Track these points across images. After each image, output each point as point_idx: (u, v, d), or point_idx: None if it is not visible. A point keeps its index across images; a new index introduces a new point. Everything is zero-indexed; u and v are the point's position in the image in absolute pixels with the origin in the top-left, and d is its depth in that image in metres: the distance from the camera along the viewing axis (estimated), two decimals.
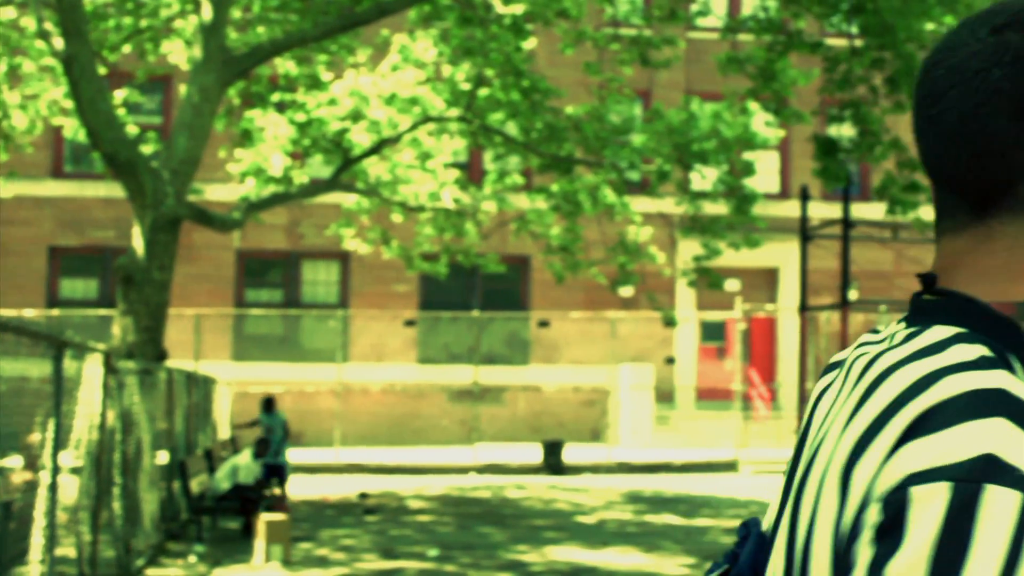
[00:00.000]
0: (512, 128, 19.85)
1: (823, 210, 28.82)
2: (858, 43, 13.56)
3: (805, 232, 17.92)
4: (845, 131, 14.33)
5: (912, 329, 1.22)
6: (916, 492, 1.02)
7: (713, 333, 31.17)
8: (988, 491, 1.00)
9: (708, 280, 20.81)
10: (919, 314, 1.24)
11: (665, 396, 29.92)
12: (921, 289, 1.28)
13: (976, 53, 1.21)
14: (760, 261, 30.46)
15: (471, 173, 27.00)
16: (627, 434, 27.88)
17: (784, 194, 32.09)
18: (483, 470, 24.32)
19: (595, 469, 24.84)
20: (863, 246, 27.87)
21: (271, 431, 18.83)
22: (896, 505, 1.03)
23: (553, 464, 24.47)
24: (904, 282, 30.63)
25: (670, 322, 21.75)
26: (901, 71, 12.46)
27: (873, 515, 1.05)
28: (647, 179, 22.40)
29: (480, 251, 22.94)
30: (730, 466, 25.56)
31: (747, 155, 22.83)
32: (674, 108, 19.94)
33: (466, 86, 18.71)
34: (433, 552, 13.60)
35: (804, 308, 18.31)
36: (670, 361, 30.00)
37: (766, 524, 1.35)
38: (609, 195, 20.44)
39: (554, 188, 20.40)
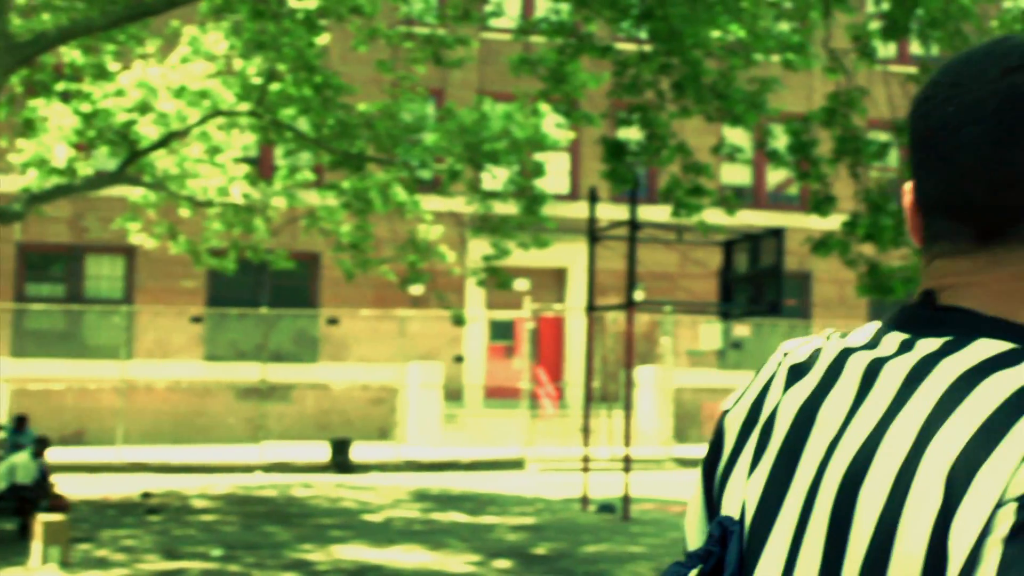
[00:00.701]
0: (303, 124, 19.68)
1: (611, 212, 29.31)
2: (647, 48, 13.83)
3: (593, 233, 18.20)
4: (633, 134, 14.60)
5: (945, 339, 1.28)
6: None
7: (502, 332, 31.43)
8: None
9: (497, 279, 20.99)
10: (930, 326, 1.31)
11: (453, 394, 30.03)
12: (918, 302, 1.35)
13: (990, 93, 1.28)
14: (549, 261, 30.82)
15: (261, 168, 26.65)
16: (415, 432, 27.89)
17: (573, 195, 32.54)
18: (270, 469, 24.03)
19: (383, 467, 24.79)
20: (649, 248, 28.46)
21: (16, 447, 17.65)
22: None
23: (340, 462, 24.33)
24: (688, 283, 31.39)
25: (459, 321, 21.86)
26: (687, 77, 12.76)
27: (1008, 515, 1.09)
28: (438, 178, 22.45)
29: (269, 247, 22.67)
30: (517, 464, 25.80)
31: (538, 156, 23.09)
32: (466, 108, 20.03)
33: (257, 80, 18.46)
34: (217, 552, 13.39)
35: (591, 308, 18.59)
36: (459, 359, 30.13)
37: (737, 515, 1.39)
38: (400, 193, 20.43)
39: (345, 185, 20.28)
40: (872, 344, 1.35)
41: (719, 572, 1.38)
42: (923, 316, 1.33)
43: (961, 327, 1.28)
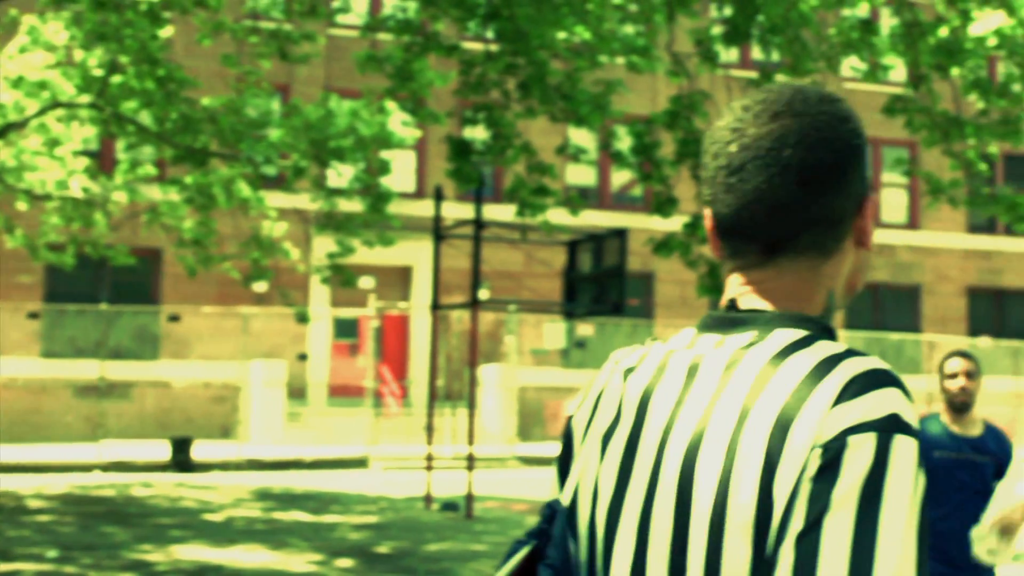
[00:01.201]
0: (146, 117, 19.32)
1: (456, 210, 29.39)
2: (493, 48, 13.90)
3: (438, 231, 18.23)
4: (479, 134, 14.66)
5: (752, 332, 1.59)
6: (851, 440, 1.41)
7: (346, 330, 31.28)
8: (897, 439, 1.41)
9: (342, 277, 20.87)
10: (735, 325, 1.61)
11: (297, 392, 29.79)
12: (723, 308, 1.66)
13: (765, 135, 1.61)
14: (394, 259, 30.78)
15: (102, 162, 26.12)
16: (258, 431, 27.61)
17: (419, 193, 32.53)
18: (108, 468, 23.56)
19: (225, 466, 24.47)
20: (494, 247, 28.61)
21: None
22: (835, 450, 1.41)
23: (181, 461, 23.96)
24: (532, 282, 31.63)
25: (303, 318, 21.70)
26: (533, 77, 12.86)
27: (816, 458, 1.42)
28: (283, 174, 22.25)
29: (109, 243, 22.22)
30: (361, 463, 25.71)
31: (384, 154, 23.02)
32: (312, 104, 19.88)
33: (99, 72, 18.08)
34: (52, 553, 13.09)
35: (436, 306, 18.61)
36: (302, 357, 29.90)
37: (567, 501, 1.69)
38: (244, 189, 20.20)
39: (188, 180, 19.98)
40: (690, 346, 1.64)
41: (547, 545, 1.68)
42: (729, 319, 1.62)
43: (762, 324, 1.59)
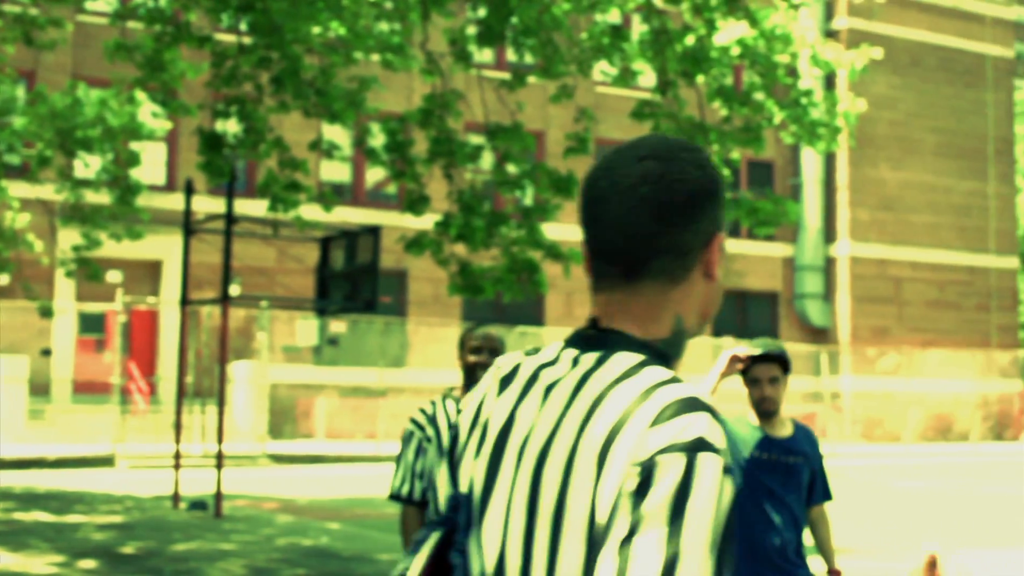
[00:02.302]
0: None
1: (208, 204, 28.91)
2: (246, 41, 13.74)
3: (188, 226, 17.90)
4: (231, 127, 14.46)
5: (598, 354, 1.82)
6: (660, 459, 1.61)
7: (92, 325, 30.43)
8: (701, 456, 1.61)
9: (88, 271, 20.31)
10: (591, 344, 1.84)
11: (40, 389, 28.84)
12: (588, 326, 1.89)
13: (629, 174, 1.86)
14: (143, 253, 30.11)
15: None
16: None
17: (170, 186, 31.89)
18: None
19: None
20: (246, 242, 28.25)
21: None
22: (649, 468, 1.61)
23: None
24: (285, 279, 31.35)
25: (47, 313, 21.03)
26: (287, 71, 12.75)
27: (633, 476, 1.62)
28: (27, 164, 21.52)
29: None
30: (107, 461, 25.06)
31: (133, 145, 22.51)
32: (59, 92, 19.29)
33: None
34: None
35: (186, 302, 18.27)
36: (46, 353, 28.96)
37: (442, 500, 1.96)
38: None
39: None
40: (554, 360, 1.88)
41: (455, 532, 1.90)
42: (588, 336, 1.86)
43: (611, 344, 1.82)
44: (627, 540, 1.58)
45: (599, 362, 1.80)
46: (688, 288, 1.87)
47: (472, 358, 5.46)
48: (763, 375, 5.50)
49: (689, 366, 37.58)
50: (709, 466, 1.61)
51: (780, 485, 5.51)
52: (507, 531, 1.79)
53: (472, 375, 5.44)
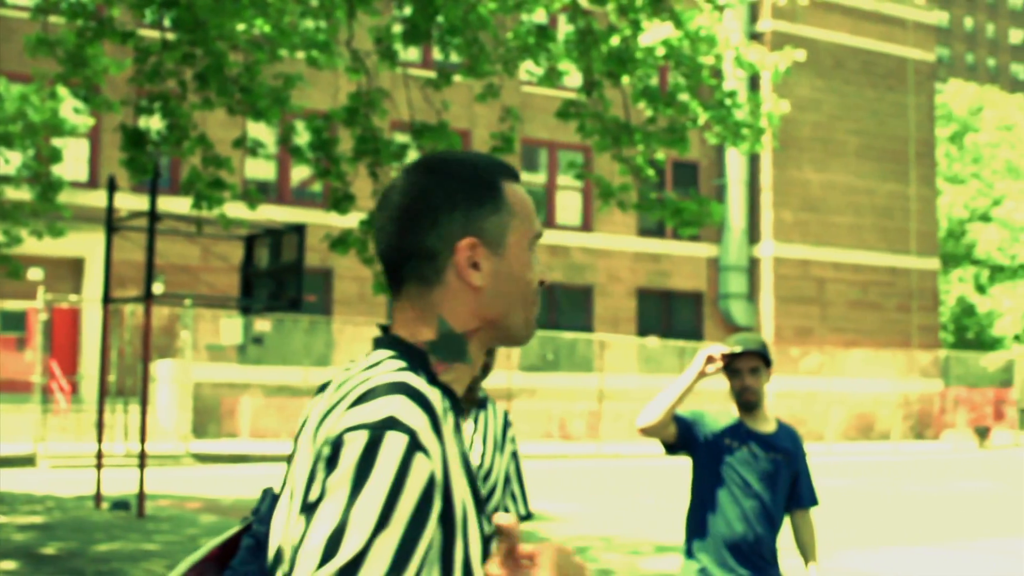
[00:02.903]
0: None
1: (131, 201, 28.63)
2: (170, 37, 13.63)
3: (111, 223, 17.73)
4: (154, 123, 14.33)
5: (367, 354, 1.95)
6: (347, 436, 1.71)
7: (13, 323, 30.03)
8: (388, 435, 1.70)
9: (8, 268, 20.05)
10: (375, 346, 1.95)
11: None
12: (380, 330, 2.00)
13: (395, 186, 1.99)
14: (65, 250, 29.77)
15: None
16: None
17: (92, 183, 31.55)
18: None
19: None
20: (170, 240, 28.01)
21: None
22: (336, 445, 1.72)
23: None
24: (209, 277, 31.12)
25: None
26: (211, 68, 12.67)
27: (326, 451, 1.73)
28: None
29: None
30: (28, 461, 24.76)
31: (55, 141, 22.25)
32: None
33: None
34: None
35: (108, 300, 18.09)
36: None
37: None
38: None
39: None
40: (358, 361, 1.97)
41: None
42: (377, 339, 1.98)
43: (377, 345, 1.95)
44: (313, 506, 1.70)
45: (363, 361, 1.92)
46: (446, 291, 1.95)
47: None
48: (743, 366, 5.46)
49: (618, 366, 37.77)
50: (393, 444, 1.69)
51: (756, 480, 5.43)
52: (279, 513, 1.90)
53: None
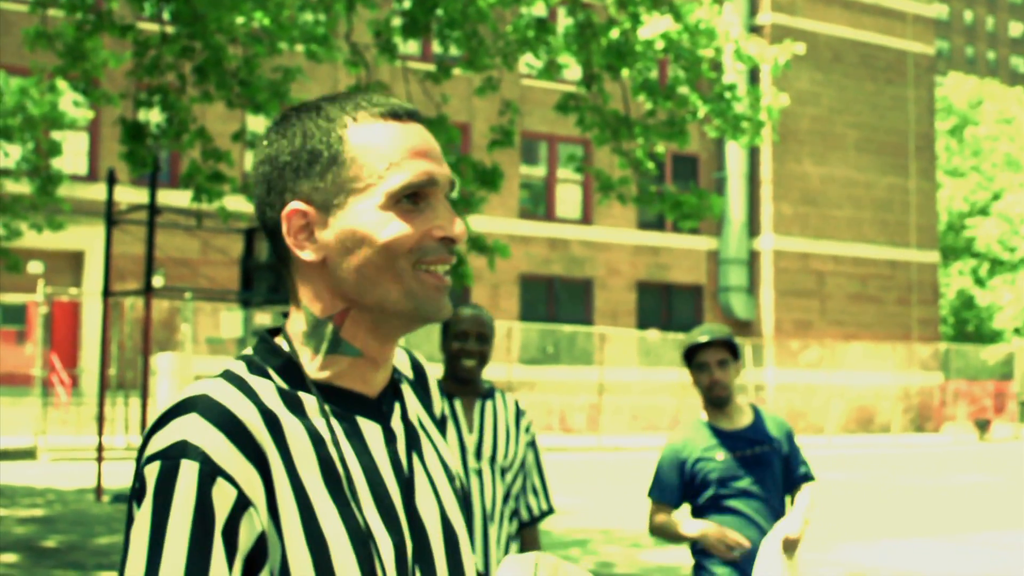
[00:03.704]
0: None
1: (130, 195, 28.63)
2: (169, 30, 13.63)
3: (111, 216, 17.74)
4: (154, 117, 14.33)
5: None
6: (146, 469, 1.55)
7: (13, 316, 30.04)
8: (182, 463, 1.52)
9: (8, 262, 20.06)
10: None
11: None
12: None
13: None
14: (65, 244, 29.78)
15: None
16: None
17: (92, 177, 31.55)
18: None
19: None
20: (170, 233, 28.00)
21: None
22: (141, 478, 1.55)
23: None
24: (209, 270, 31.13)
25: None
26: (209, 61, 12.68)
27: (137, 482, 1.56)
28: None
29: None
30: (28, 454, 24.77)
31: (54, 134, 22.24)
32: None
33: None
34: None
35: (108, 293, 18.11)
36: None
37: None
38: None
39: None
40: None
41: None
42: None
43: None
44: (124, 545, 1.57)
45: None
46: (299, 273, 1.71)
47: (456, 345, 4.79)
48: (710, 359, 5.05)
49: (618, 359, 37.79)
50: (185, 470, 1.52)
51: (750, 482, 5.07)
52: None
53: (455, 364, 4.79)
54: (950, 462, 30.24)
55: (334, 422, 1.66)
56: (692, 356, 5.11)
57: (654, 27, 13.63)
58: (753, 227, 42.38)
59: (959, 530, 15.76)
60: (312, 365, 1.69)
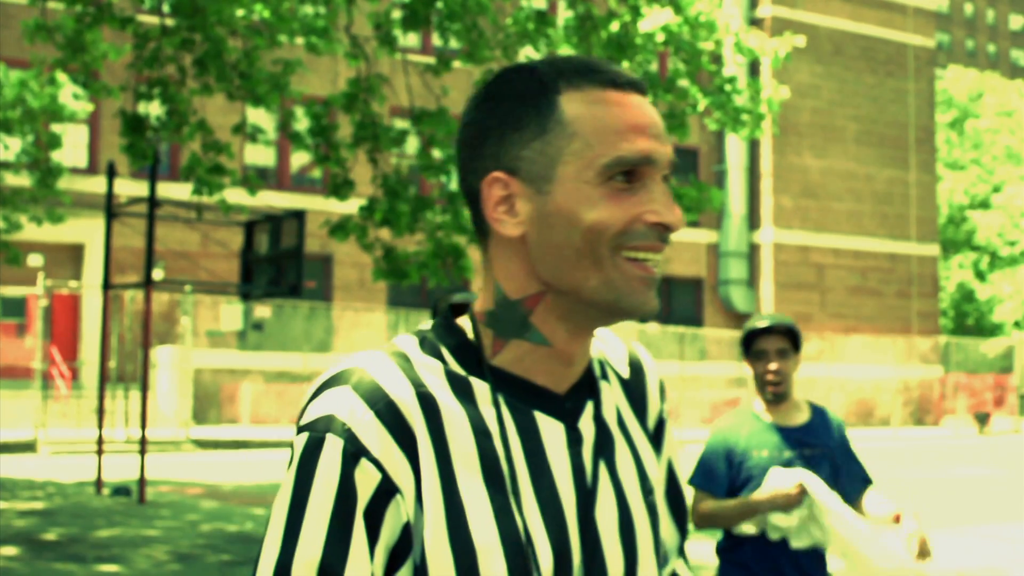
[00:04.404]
0: None
1: (130, 187, 28.61)
2: (169, 22, 13.62)
3: (111, 209, 17.72)
4: (153, 109, 14.32)
5: None
6: (296, 439, 1.50)
7: (13, 309, 30.04)
8: (327, 438, 1.46)
9: (8, 255, 20.05)
10: None
11: None
12: None
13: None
14: (65, 237, 29.78)
15: None
16: None
17: (92, 169, 31.54)
18: None
19: None
20: (170, 226, 27.99)
21: None
22: (292, 447, 1.50)
23: None
24: (209, 263, 31.12)
25: None
26: (210, 54, 12.67)
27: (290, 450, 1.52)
28: None
29: None
30: (28, 447, 24.78)
31: (54, 127, 22.23)
32: None
33: None
34: None
35: (108, 286, 18.10)
36: None
37: None
38: None
39: None
40: None
41: None
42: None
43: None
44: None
45: None
46: (496, 246, 1.56)
47: None
48: (770, 347, 4.60)
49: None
50: (331, 446, 1.45)
51: None
52: None
53: None
54: (950, 455, 30.26)
55: (506, 413, 1.53)
56: (751, 343, 4.66)
57: (654, 20, 13.62)
58: (753, 220, 42.37)
59: (959, 523, 15.76)
60: (493, 349, 1.56)
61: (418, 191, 15.55)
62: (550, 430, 1.55)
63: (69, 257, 31.39)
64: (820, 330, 42.45)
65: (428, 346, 1.56)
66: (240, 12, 12.53)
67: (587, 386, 1.62)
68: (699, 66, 14.11)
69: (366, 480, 1.44)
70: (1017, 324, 58.96)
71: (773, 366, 4.58)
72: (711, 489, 4.66)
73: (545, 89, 1.53)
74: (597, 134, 1.50)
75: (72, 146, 30.56)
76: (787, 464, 4.61)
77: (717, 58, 14.66)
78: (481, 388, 1.52)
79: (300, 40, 13.96)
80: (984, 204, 62.36)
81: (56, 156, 22.76)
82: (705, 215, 40.55)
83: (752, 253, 42.27)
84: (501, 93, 1.56)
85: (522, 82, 1.54)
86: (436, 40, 32.63)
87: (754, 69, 37.72)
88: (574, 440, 1.56)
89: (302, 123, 15.79)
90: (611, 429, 1.64)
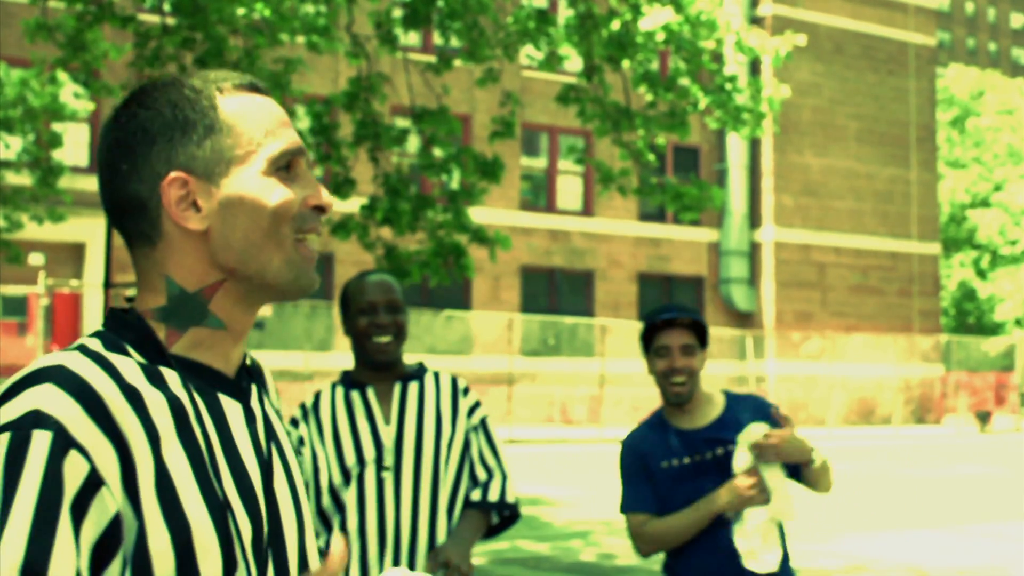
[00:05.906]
0: None
1: None
2: (170, 21, 13.61)
3: None
4: None
5: None
6: None
7: (14, 308, 30.03)
8: (33, 434, 1.44)
9: (9, 253, 20.05)
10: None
11: None
12: None
13: (102, 129, 1.69)
14: (66, 235, 29.78)
15: None
16: None
17: (93, 168, 31.52)
18: None
19: None
20: None
21: None
22: None
23: None
24: None
25: None
26: (211, 52, 12.66)
27: None
28: None
29: None
30: None
31: (55, 126, 22.22)
32: None
33: None
34: None
35: (109, 285, 18.09)
36: None
37: None
38: None
39: None
40: None
41: None
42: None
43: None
44: None
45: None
46: (168, 246, 1.65)
47: (363, 321, 3.91)
48: (673, 342, 4.07)
49: (619, 351, 37.78)
50: (38, 441, 1.44)
51: (714, 488, 4.03)
52: None
53: (366, 345, 3.89)
54: (951, 454, 30.25)
55: (196, 397, 1.63)
56: (651, 338, 4.13)
57: (655, 18, 13.61)
58: (754, 219, 42.35)
59: (960, 521, 15.76)
60: (169, 340, 1.66)
61: (419, 190, 15.54)
62: (232, 410, 1.68)
63: (70, 256, 31.39)
64: (821, 328, 42.44)
65: (111, 343, 1.62)
66: (241, 11, 12.53)
67: (245, 369, 1.76)
68: (700, 65, 14.10)
69: (75, 472, 1.45)
70: (1018, 322, 58.94)
71: (677, 362, 4.07)
72: (645, 509, 4.13)
73: (200, 95, 1.66)
74: (259, 129, 1.66)
75: (73, 145, 30.55)
76: (695, 470, 4.08)
77: (718, 57, 14.65)
78: (171, 375, 1.61)
79: (301, 39, 13.96)
80: (985, 202, 62.34)
81: (57, 155, 22.75)
82: (706, 214, 40.55)
83: (753, 252, 42.25)
84: (153, 103, 1.65)
85: (173, 91, 1.66)
86: (437, 39, 32.63)
87: (755, 68, 37.70)
88: (251, 419, 1.71)
89: (303, 122, 15.78)
90: (267, 411, 1.79)
